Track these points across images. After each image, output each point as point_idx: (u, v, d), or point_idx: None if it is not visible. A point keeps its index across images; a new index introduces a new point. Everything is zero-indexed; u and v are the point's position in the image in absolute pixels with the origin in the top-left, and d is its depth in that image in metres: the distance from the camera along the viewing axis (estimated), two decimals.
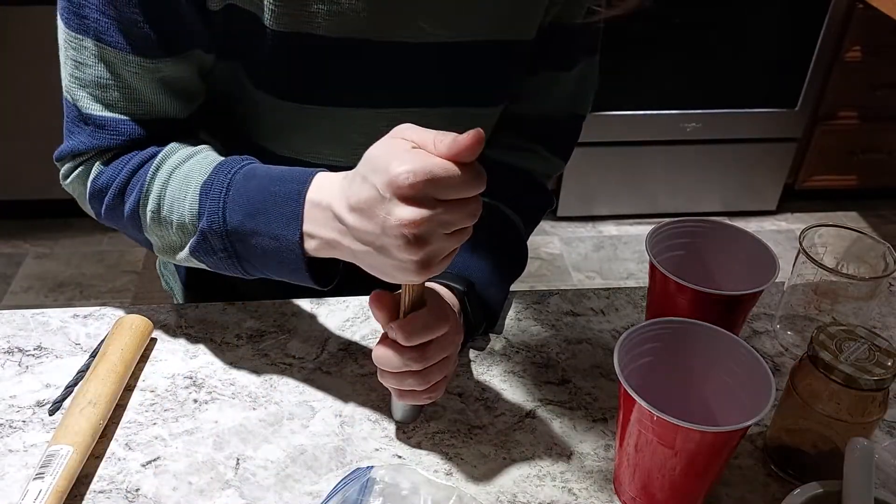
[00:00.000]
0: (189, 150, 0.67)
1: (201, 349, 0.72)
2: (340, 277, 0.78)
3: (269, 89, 0.69)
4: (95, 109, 0.64)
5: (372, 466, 0.58)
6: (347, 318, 0.76)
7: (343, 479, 0.58)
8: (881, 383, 0.55)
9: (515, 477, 0.62)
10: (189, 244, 0.64)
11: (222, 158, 0.65)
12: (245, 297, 0.81)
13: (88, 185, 0.67)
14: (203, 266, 0.66)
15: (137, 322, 0.70)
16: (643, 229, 2.42)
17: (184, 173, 0.64)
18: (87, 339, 0.73)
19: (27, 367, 0.70)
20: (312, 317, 0.76)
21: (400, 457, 0.63)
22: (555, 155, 0.86)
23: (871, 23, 2.16)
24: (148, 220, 0.65)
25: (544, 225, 2.47)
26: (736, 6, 2.14)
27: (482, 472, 0.62)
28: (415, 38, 0.68)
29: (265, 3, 0.63)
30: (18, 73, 2.07)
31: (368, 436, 0.64)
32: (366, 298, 0.78)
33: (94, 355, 0.69)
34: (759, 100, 2.31)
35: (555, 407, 0.68)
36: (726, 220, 0.72)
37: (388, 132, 0.54)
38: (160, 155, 0.66)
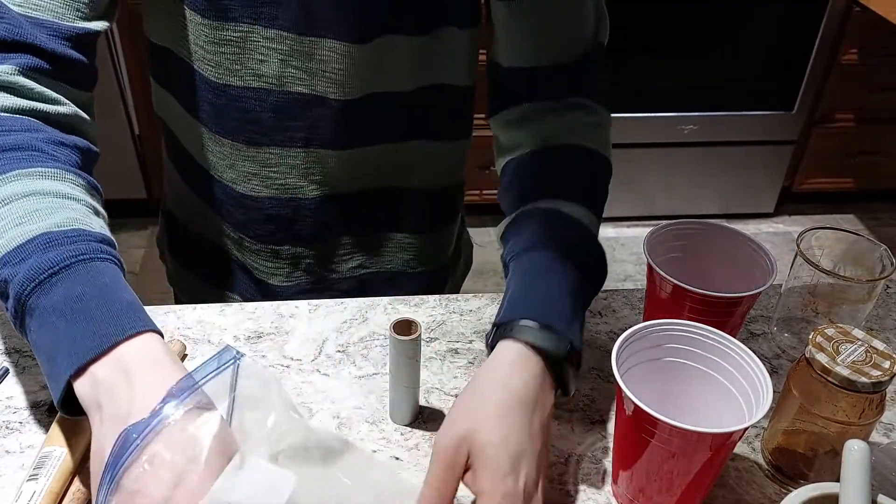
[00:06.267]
0: (57, 186, 0.57)
1: (199, 350, 0.72)
2: (338, 278, 0.77)
3: (191, 5, 0.69)
4: None
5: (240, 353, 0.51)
6: (345, 319, 0.76)
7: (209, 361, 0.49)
8: (878, 385, 0.55)
9: None
10: None
11: (85, 227, 0.54)
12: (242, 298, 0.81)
13: None
14: None
15: None
16: (641, 231, 2.42)
17: (34, 204, 0.54)
18: None
19: (24, 367, 0.70)
20: (310, 318, 0.76)
21: (398, 458, 0.63)
22: (594, 100, 0.76)
23: (868, 26, 2.17)
24: None
25: None
26: (733, 9, 2.14)
27: None
28: None
29: None
30: None
31: (366, 437, 0.64)
32: (363, 300, 0.79)
33: None
34: (757, 102, 2.32)
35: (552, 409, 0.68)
36: (724, 223, 0.72)
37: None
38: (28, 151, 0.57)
